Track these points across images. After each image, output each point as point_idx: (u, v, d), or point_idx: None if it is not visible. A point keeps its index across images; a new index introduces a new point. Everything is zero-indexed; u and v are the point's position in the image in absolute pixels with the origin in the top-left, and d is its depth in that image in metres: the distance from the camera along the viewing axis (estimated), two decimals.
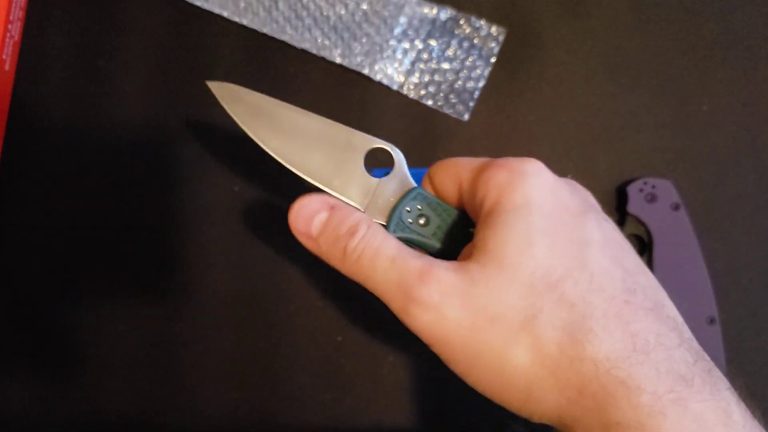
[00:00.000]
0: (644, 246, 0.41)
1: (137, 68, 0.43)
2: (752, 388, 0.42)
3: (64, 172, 0.42)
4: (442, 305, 0.23)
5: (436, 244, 0.27)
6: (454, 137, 0.43)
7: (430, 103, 0.43)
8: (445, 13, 0.44)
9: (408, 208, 0.27)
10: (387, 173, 0.40)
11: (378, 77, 0.43)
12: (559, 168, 0.43)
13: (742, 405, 0.21)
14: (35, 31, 0.43)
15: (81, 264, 0.41)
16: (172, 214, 0.41)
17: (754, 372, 0.41)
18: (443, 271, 0.24)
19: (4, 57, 0.40)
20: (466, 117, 0.43)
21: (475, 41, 0.44)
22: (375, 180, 0.28)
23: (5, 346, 0.40)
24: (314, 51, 0.43)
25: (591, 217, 0.24)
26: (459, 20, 0.44)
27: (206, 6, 0.43)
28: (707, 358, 0.22)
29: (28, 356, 0.40)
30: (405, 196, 0.27)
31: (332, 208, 0.27)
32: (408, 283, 0.24)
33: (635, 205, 0.41)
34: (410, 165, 0.42)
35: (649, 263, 0.40)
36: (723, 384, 0.21)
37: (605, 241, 0.24)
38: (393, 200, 0.27)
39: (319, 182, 0.28)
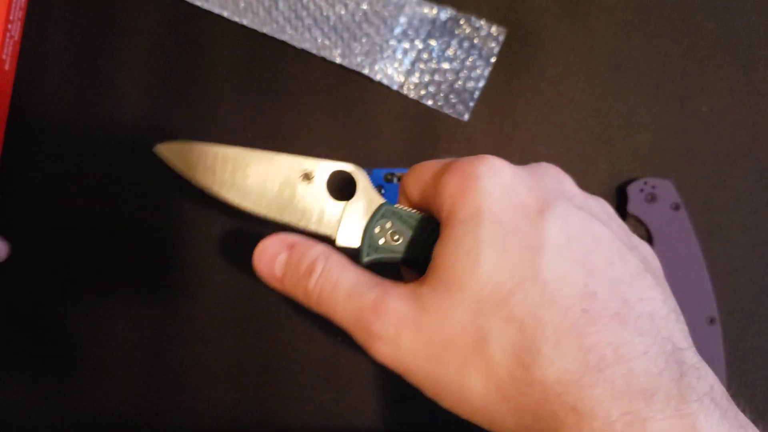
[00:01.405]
0: None
1: (137, 68, 0.43)
2: (752, 389, 0.42)
3: (64, 172, 0.42)
4: (397, 337, 0.22)
5: (413, 257, 0.26)
6: (454, 137, 0.43)
7: (430, 103, 0.43)
8: (445, 13, 0.44)
9: (378, 228, 0.26)
10: (392, 173, 0.41)
11: (378, 77, 0.43)
12: (559, 168, 0.43)
13: (715, 417, 0.19)
14: (35, 31, 0.43)
15: (81, 264, 0.41)
16: (172, 214, 0.41)
17: (754, 372, 0.41)
18: (396, 301, 0.23)
19: (4, 57, 0.40)
20: (466, 117, 0.43)
21: (475, 41, 0.44)
22: (341, 204, 0.27)
23: (5, 346, 0.40)
24: (314, 51, 0.43)
25: (552, 212, 0.22)
26: (459, 20, 0.44)
27: (206, 6, 0.43)
28: (684, 358, 0.20)
29: (28, 356, 0.40)
30: (374, 213, 0.27)
31: (291, 247, 0.26)
32: (364, 317, 0.23)
33: (635, 205, 0.41)
34: (410, 165, 0.42)
35: None
36: (693, 395, 0.19)
37: (567, 238, 0.22)
38: (363, 221, 0.27)
39: (287, 220, 0.28)
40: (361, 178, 0.27)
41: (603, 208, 0.25)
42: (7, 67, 0.41)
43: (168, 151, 0.30)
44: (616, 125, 0.43)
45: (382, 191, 0.40)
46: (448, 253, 0.22)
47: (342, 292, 0.24)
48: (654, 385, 0.19)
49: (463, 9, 0.44)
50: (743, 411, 0.21)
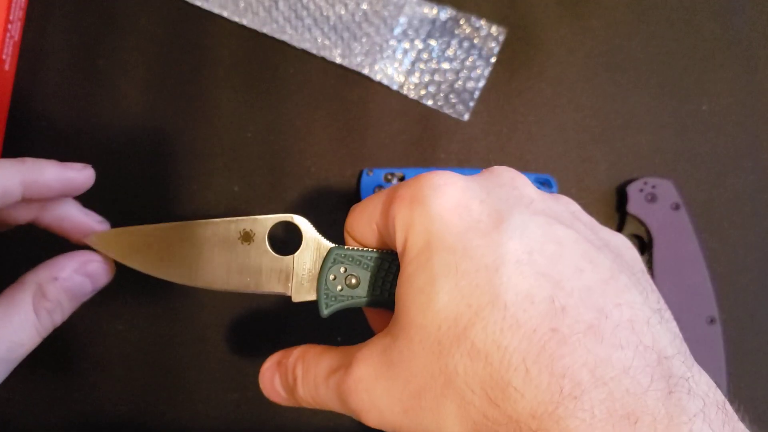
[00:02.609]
0: (644, 246, 0.41)
1: (137, 68, 0.43)
2: (752, 389, 0.42)
3: None
4: (373, 402, 0.22)
5: (375, 298, 0.25)
6: (454, 137, 0.43)
7: (430, 103, 0.43)
8: (445, 13, 0.44)
9: (332, 276, 0.25)
10: (392, 173, 0.41)
11: (378, 77, 0.43)
12: (559, 168, 0.43)
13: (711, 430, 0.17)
14: (35, 31, 0.43)
15: None
16: (172, 214, 0.41)
17: (755, 372, 0.41)
18: (362, 367, 0.22)
19: (4, 57, 0.40)
20: (466, 117, 0.43)
21: (475, 41, 0.44)
22: (289, 257, 0.26)
23: None
24: (314, 51, 0.43)
25: (508, 225, 0.21)
26: (459, 20, 0.44)
27: (206, 6, 0.43)
28: (671, 368, 0.18)
29: (27, 356, 0.40)
30: (324, 261, 0.25)
31: (278, 364, 0.26)
32: (343, 398, 0.23)
33: (635, 205, 0.41)
34: (410, 165, 0.42)
35: (649, 263, 0.40)
36: (683, 415, 0.17)
37: (527, 251, 0.20)
38: (315, 271, 0.26)
39: (235, 288, 0.27)
40: (304, 225, 0.26)
41: (566, 207, 0.23)
42: (7, 67, 0.41)
43: (100, 241, 0.29)
44: (616, 125, 0.43)
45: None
46: (404, 296, 0.21)
47: (321, 385, 0.24)
48: (638, 408, 0.17)
49: (463, 9, 0.44)
50: (738, 411, 0.19)
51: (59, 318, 0.27)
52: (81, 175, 0.28)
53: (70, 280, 0.27)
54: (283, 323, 0.40)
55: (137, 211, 0.41)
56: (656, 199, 0.41)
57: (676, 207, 0.41)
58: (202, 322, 0.40)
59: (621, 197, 0.42)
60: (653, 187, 0.41)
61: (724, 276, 0.41)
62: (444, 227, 0.21)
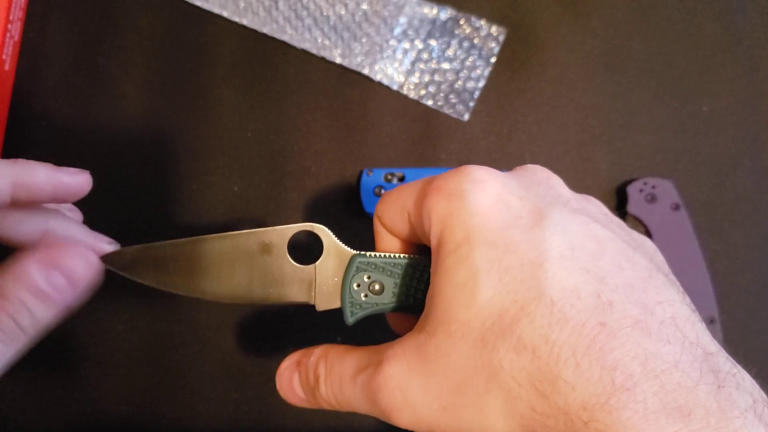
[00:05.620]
0: None
1: (137, 68, 0.43)
2: None
3: None
4: (407, 400, 0.21)
5: (400, 304, 0.25)
6: (454, 137, 0.43)
7: (430, 103, 0.43)
8: (445, 13, 0.44)
9: (356, 284, 0.25)
10: (392, 173, 0.41)
11: (378, 77, 0.43)
12: (559, 168, 0.43)
13: (763, 427, 0.17)
14: (35, 31, 0.43)
15: None
16: (172, 214, 0.41)
17: (755, 372, 0.41)
18: (394, 365, 0.22)
19: (4, 57, 0.40)
20: (466, 117, 0.43)
21: (475, 41, 0.44)
22: (311, 267, 0.26)
23: None
24: (314, 51, 0.43)
25: (550, 221, 0.21)
26: (459, 20, 0.44)
27: (206, 6, 0.43)
28: (718, 364, 0.18)
29: (27, 356, 0.40)
30: (347, 269, 0.25)
31: (298, 364, 0.26)
32: (372, 396, 0.22)
33: (635, 205, 0.41)
34: (410, 165, 0.42)
35: None
36: (735, 410, 0.17)
37: (570, 247, 0.20)
38: (338, 279, 0.25)
39: (258, 301, 0.26)
40: (324, 233, 0.26)
41: (599, 208, 0.24)
42: (7, 67, 0.41)
43: (112, 260, 0.28)
44: (616, 125, 0.43)
45: (382, 191, 0.40)
46: (443, 290, 0.21)
47: (347, 384, 0.23)
48: (690, 401, 0.17)
49: (463, 9, 0.44)
50: None
51: (28, 322, 0.24)
52: (74, 180, 0.26)
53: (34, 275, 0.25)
54: (283, 323, 0.40)
55: (137, 210, 0.41)
56: (656, 200, 0.41)
57: (676, 207, 0.40)
58: (202, 322, 0.40)
59: (621, 197, 0.42)
60: (653, 187, 0.41)
61: (724, 276, 0.41)
62: (484, 222, 0.21)
